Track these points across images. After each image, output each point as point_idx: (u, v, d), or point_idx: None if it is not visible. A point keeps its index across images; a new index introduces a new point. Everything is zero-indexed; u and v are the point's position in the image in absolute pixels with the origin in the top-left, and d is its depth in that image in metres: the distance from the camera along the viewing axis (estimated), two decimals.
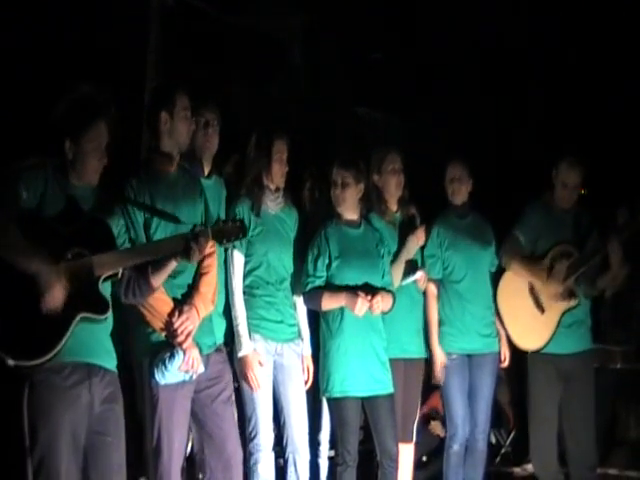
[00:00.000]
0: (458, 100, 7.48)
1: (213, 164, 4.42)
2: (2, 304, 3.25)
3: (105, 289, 3.47)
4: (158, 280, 3.69)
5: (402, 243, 4.84)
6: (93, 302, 3.39)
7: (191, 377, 3.82)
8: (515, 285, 4.97)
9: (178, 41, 6.44)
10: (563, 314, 4.84)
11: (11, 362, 3.22)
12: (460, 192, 5.05)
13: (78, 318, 3.33)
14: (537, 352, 4.89)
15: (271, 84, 7.49)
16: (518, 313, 4.97)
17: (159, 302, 3.81)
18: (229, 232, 3.69)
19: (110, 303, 3.46)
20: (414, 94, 7.68)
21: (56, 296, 3.28)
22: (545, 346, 4.85)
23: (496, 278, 5.09)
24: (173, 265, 3.68)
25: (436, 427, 5.87)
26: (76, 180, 3.48)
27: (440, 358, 4.91)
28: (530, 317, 4.91)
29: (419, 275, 4.80)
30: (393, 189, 4.88)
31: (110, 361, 3.51)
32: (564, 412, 4.89)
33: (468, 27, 7.46)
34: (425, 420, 5.78)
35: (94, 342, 3.42)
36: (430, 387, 5.19)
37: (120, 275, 3.52)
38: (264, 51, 7.34)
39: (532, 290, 4.92)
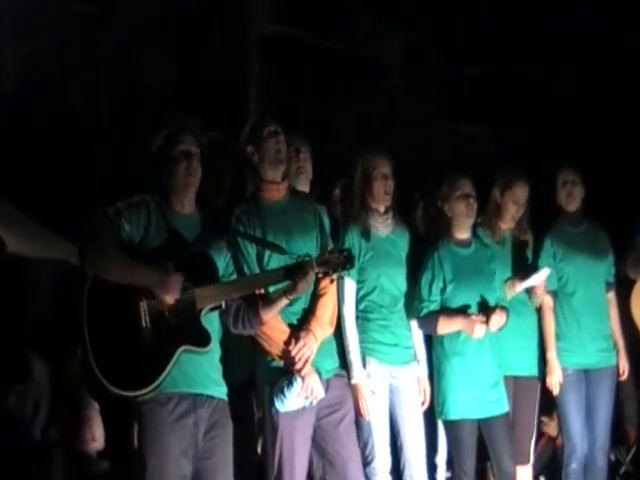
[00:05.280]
0: (555, 112, 7.40)
1: (311, 189, 4.42)
2: (107, 337, 3.32)
3: (209, 320, 3.49)
4: (268, 314, 3.69)
5: (515, 263, 4.79)
6: (195, 335, 3.42)
7: (311, 403, 3.83)
8: None
9: (278, 70, 6.54)
10: None
11: (119, 392, 3.30)
12: (574, 195, 4.91)
13: (180, 351, 3.37)
14: None
15: (371, 104, 7.53)
16: None
17: (275, 331, 3.84)
18: (335, 263, 3.65)
19: (212, 335, 3.47)
20: (513, 107, 7.64)
21: (176, 288, 3.34)
22: None
23: (621, 292, 4.95)
24: (284, 302, 3.67)
25: (549, 425, 5.63)
26: (179, 207, 3.54)
27: (556, 373, 4.79)
28: None
29: (545, 272, 4.66)
30: (515, 210, 4.80)
31: (217, 389, 3.53)
32: None
33: (562, 39, 7.38)
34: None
35: (199, 373, 3.46)
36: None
37: (224, 306, 3.54)
38: (364, 73, 7.39)
39: None
